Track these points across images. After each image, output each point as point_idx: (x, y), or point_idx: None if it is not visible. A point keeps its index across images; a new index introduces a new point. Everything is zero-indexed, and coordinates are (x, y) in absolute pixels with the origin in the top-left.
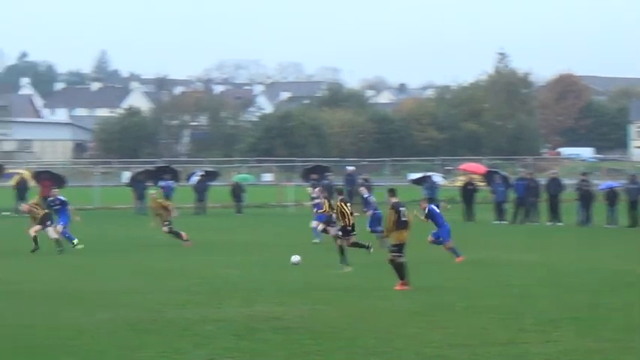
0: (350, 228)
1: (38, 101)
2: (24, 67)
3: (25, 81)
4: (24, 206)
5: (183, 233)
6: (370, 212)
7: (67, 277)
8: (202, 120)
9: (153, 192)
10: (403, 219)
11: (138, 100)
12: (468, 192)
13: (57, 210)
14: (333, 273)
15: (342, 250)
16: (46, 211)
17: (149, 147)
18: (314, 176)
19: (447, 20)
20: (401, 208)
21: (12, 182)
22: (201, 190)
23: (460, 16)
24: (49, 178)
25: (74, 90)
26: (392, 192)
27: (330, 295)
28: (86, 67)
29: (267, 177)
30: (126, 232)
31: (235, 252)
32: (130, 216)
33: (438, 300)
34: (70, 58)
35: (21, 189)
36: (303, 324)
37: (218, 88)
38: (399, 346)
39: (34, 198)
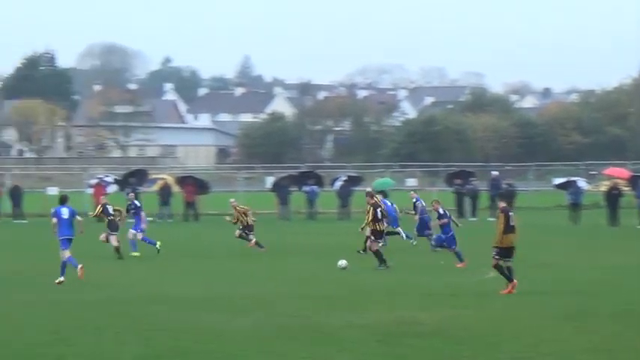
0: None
1: (182, 107)
2: (168, 73)
3: (168, 86)
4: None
5: (252, 241)
6: (418, 217)
7: (208, 282)
8: (345, 125)
9: (233, 199)
10: (511, 224)
11: (281, 105)
12: (613, 197)
13: (133, 215)
14: (475, 280)
15: (377, 254)
16: (111, 217)
17: (292, 152)
18: (458, 181)
19: (591, 24)
20: (510, 213)
21: (156, 187)
22: (344, 195)
23: (604, 19)
24: (193, 184)
25: (217, 95)
26: (502, 196)
27: (473, 300)
28: (230, 72)
29: (411, 182)
30: (268, 237)
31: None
32: (272, 221)
33: (582, 305)
34: (214, 64)
35: (165, 194)
36: (446, 329)
37: (361, 93)
38: (544, 352)
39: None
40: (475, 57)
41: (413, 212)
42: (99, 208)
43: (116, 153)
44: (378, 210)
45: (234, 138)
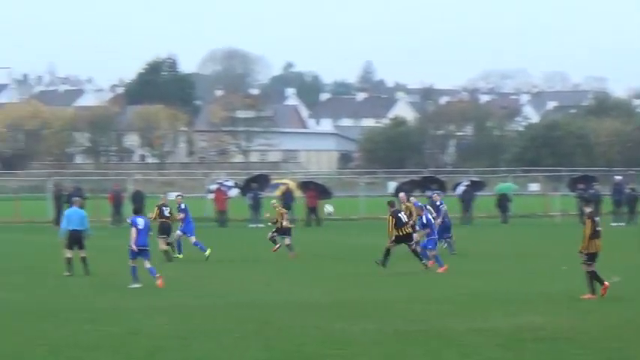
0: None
1: (304, 111)
2: (290, 78)
3: (290, 91)
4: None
5: (277, 246)
6: (440, 220)
7: (330, 287)
8: (468, 130)
9: (274, 201)
10: (597, 229)
11: (403, 110)
12: None
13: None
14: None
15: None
16: (164, 219)
17: (414, 157)
18: (580, 186)
19: None
20: (596, 218)
21: (278, 192)
22: (467, 199)
23: None
24: (314, 189)
25: (339, 100)
26: (587, 202)
27: (596, 305)
28: (352, 77)
29: (534, 187)
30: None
31: (499, 261)
32: None
33: None
34: (336, 69)
35: (286, 199)
36: (569, 334)
37: (484, 98)
38: None
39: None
40: (598, 61)
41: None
42: (156, 210)
43: (238, 158)
44: (400, 215)
45: (356, 143)
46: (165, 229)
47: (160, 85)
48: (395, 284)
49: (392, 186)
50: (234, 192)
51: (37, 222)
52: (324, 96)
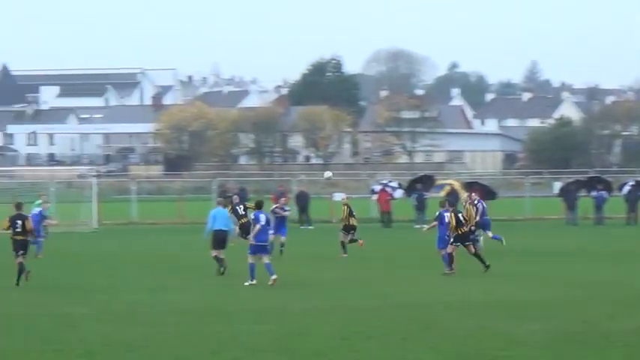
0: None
1: (469, 112)
2: (455, 78)
3: (455, 91)
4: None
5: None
6: (478, 218)
7: (494, 287)
8: (634, 129)
9: (344, 196)
10: None
11: (569, 110)
12: None
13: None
14: None
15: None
16: (243, 220)
17: (580, 157)
18: None
19: None
20: None
21: (442, 193)
22: (632, 200)
23: None
24: (479, 189)
25: (504, 100)
26: None
27: None
28: (517, 77)
29: None
30: (554, 242)
31: None
32: (559, 226)
33: None
34: (501, 69)
35: (451, 199)
36: None
37: None
38: None
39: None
40: None
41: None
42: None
43: (402, 159)
44: (460, 215)
45: (521, 143)
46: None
47: (324, 86)
48: (555, 284)
49: (557, 186)
50: (399, 193)
51: (200, 223)
52: (489, 96)
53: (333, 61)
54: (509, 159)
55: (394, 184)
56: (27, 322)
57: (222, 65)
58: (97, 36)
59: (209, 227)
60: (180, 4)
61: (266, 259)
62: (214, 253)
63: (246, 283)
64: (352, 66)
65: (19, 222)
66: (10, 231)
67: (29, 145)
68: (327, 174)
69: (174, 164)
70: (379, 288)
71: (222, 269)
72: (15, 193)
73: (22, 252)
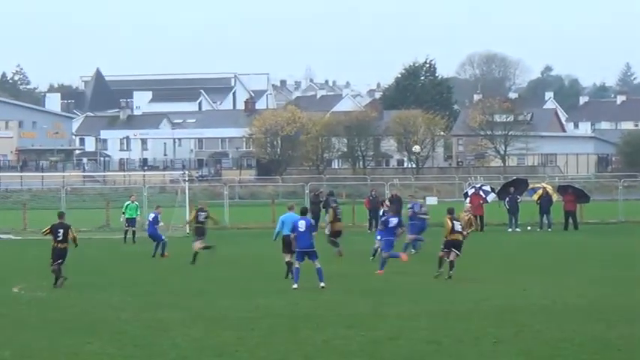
0: None
1: (562, 115)
2: (548, 81)
3: (548, 95)
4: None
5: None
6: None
7: (588, 290)
8: None
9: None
10: None
11: None
12: None
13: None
14: None
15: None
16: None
17: None
18: None
19: None
20: None
21: (535, 196)
22: None
23: None
24: (573, 193)
25: (598, 103)
26: None
27: None
28: (610, 80)
29: None
30: None
31: None
32: None
33: None
34: (595, 72)
35: (544, 203)
36: None
37: None
38: None
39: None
40: None
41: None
42: (193, 214)
43: (496, 162)
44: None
45: (614, 146)
46: (201, 233)
47: (417, 90)
48: None
49: None
50: (492, 197)
51: None
52: (583, 99)
53: (427, 65)
54: (603, 162)
55: (487, 187)
56: (118, 326)
57: (316, 69)
58: (190, 41)
59: (277, 231)
60: (273, 9)
61: (317, 264)
62: (287, 257)
63: (293, 287)
64: (446, 70)
65: (61, 230)
66: (49, 237)
67: (122, 150)
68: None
69: (267, 169)
70: (470, 292)
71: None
72: (108, 197)
73: (60, 261)
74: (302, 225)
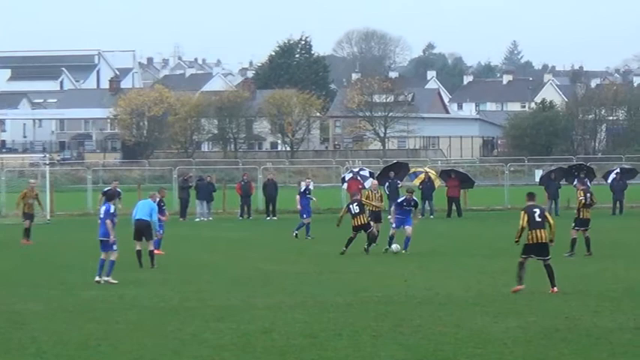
0: None
1: (445, 96)
2: (431, 60)
3: (431, 74)
4: None
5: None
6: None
7: (472, 282)
8: (620, 114)
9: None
10: None
11: (551, 94)
12: None
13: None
14: None
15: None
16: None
17: (563, 143)
18: None
19: None
20: None
21: (416, 181)
22: (618, 189)
23: None
24: (456, 177)
25: (483, 83)
26: None
27: None
28: (496, 59)
29: None
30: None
31: None
32: None
33: None
34: (479, 50)
35: (426, 188)
36: None
37: (637, 80)
38: None
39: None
40: None
41: None
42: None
43: (375, 145)
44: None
45: (500, 129)
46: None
47: (292, 69)
48: (536, 278)
49: (538, 174)
50: (369, 182)
51: None
52: (467, 79)
53: (302, 42)
54: (488, 145)
55: (365, 172)
56: None
57: (185, 46)
58: (50, 17)
59: (133, 216)
60: None
61: (112, 257)
62: (137, 246)
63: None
64: (322, 47)
65: None
66: None
67: None
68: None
69: (133, 152)
70: (350, 283)
71: (152, 264)
72: None
73: None
74: (102, 211)
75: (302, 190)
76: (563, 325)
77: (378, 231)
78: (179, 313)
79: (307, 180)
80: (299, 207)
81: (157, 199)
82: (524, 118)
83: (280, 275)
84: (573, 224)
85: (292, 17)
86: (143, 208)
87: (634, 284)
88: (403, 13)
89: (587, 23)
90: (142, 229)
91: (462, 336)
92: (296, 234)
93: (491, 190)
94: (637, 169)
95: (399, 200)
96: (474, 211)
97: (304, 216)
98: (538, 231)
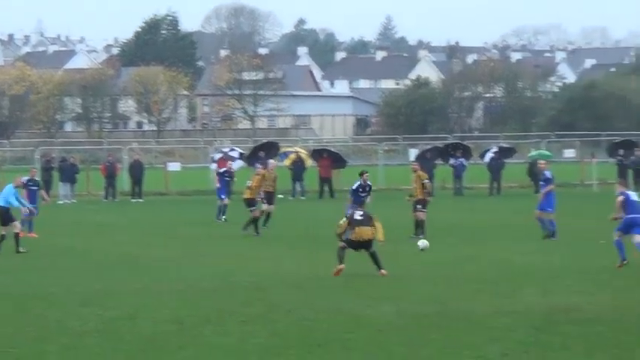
0: None
1: (317, 73)
2: (302, 36)
3: (302, 51)
4: None
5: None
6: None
7: (346, 266)
8: (497, 91)
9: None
10: None
11: (426, 70)
12: None
13: None
14: None
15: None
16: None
17: (438, 121)
18: (620, 152)
19: None
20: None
21: (287, 161)
22: (495, 168)
23: None
24: (328, 157)
25: (356, 60)
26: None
27: (637, 284)
28: (370, 34)
29: (569, 153)
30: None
31: (530, 235)
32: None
33: None
34: (352, 26)
35: (297, 169)
36: (606, 315)
37: (515, 56)
38: None
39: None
40: None
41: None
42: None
43: (244, 124)
44: None
45: (374, 106)
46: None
47: (159, 45)
48: (410, 262)
49: (413, 153)
50: (237, 164)
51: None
52: (340, 55)
53: (169, 18)
54: (362, 124)
55: (235, 153)
56: None
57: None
58: None
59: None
60: None
61: None
62: (2, 231)
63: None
64: (190, 23)
65: None
66: None
67: None
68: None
69: None
70: (218, 267)
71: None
72: None
73: None
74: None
75: (220, 171)
76: (438, 310)
77: (269, 212)
78: (43, 300)
79: (229, 164)
80: (218, 185)
81: (24, 181)
82: (399, 96)
83: (147, 259)
84: (419, 206)
85: None
86: (1, 194)
87: (508, 268)
88: None
89: None
90: (1, 215)
91: (334, 321)
92: (224, 219)
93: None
94: (515, 148)
95: (353, 187)
96: (347, 192)
97: (222, 197)
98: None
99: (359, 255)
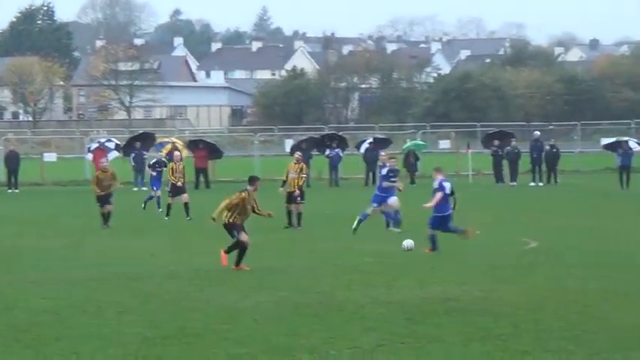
0: None
1: (193, 63)
2: (177, 26)
3: (178, 41)
4: None
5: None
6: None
7: (219, 257)
8: (373, 82)
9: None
10: None
11: (302, 61)
12: None
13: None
14: (515, 251)
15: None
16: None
17: (314, 112)
18: (496, 143)
19: None
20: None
21: (163, 152)
22: (371, 159)
23: None
24: (204, 148)
25: (232, 50)
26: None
27: (512, 274)
28: (245, 25)
29: (444, 144)
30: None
31: (408, 225)
32: None
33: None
34: (228, 16)
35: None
36: (482, 305)
37: (390, 47)
38: (591, 329)
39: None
40: (515, 6)
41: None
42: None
43: (120, 115)
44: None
45: (250, 97)
46: None
47: (34, 36)
48: (294, 253)
49: (289, 144)
50: (113, 155)
51: None
52: (215, 46)
53: (44, 8)
54: (237, 114)
55: (112, 145)
56: None
57: None
58: None
59: None
60: None
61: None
62: None
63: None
64: (66, 14)
65: None
66: None
67: None
68: (408, 244)
69: None
70: (95, 258)
71: None
72: None
73: None
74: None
75: (151, 163)
76: (315, 300)
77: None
78: None
79: (160, 153)
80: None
81: None
82: (275, 87)
83: (24, 251)
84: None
85: None
86: None
87: (385, 258)
88: None
89: None
90: None
91: (210, 311)
92: (164, 215)
93: (241, 161)
94: (391, 139)
95: (383, 172)
96: (223, 183)
97: (154, 188)
98: None
99: (227, 244)
